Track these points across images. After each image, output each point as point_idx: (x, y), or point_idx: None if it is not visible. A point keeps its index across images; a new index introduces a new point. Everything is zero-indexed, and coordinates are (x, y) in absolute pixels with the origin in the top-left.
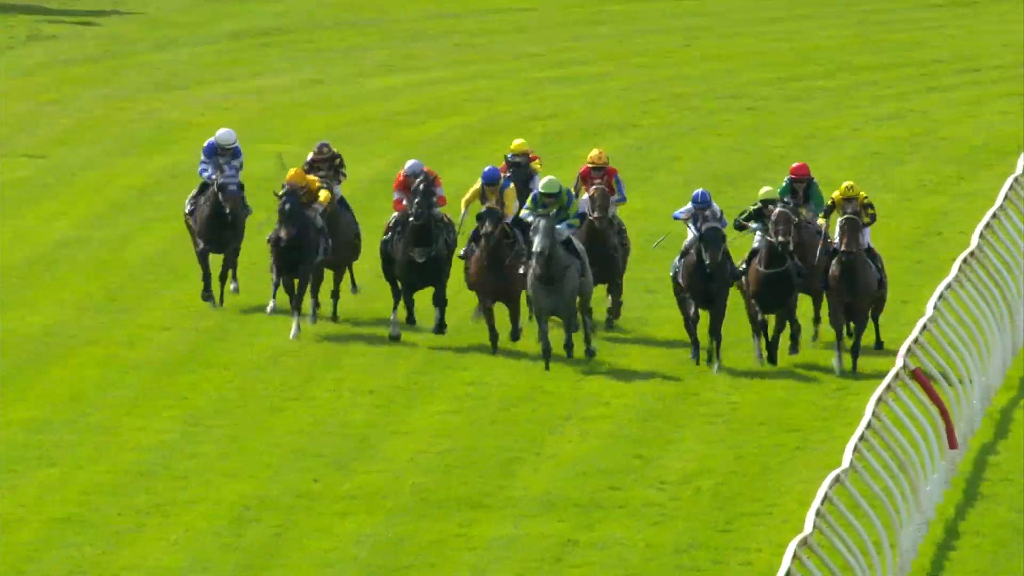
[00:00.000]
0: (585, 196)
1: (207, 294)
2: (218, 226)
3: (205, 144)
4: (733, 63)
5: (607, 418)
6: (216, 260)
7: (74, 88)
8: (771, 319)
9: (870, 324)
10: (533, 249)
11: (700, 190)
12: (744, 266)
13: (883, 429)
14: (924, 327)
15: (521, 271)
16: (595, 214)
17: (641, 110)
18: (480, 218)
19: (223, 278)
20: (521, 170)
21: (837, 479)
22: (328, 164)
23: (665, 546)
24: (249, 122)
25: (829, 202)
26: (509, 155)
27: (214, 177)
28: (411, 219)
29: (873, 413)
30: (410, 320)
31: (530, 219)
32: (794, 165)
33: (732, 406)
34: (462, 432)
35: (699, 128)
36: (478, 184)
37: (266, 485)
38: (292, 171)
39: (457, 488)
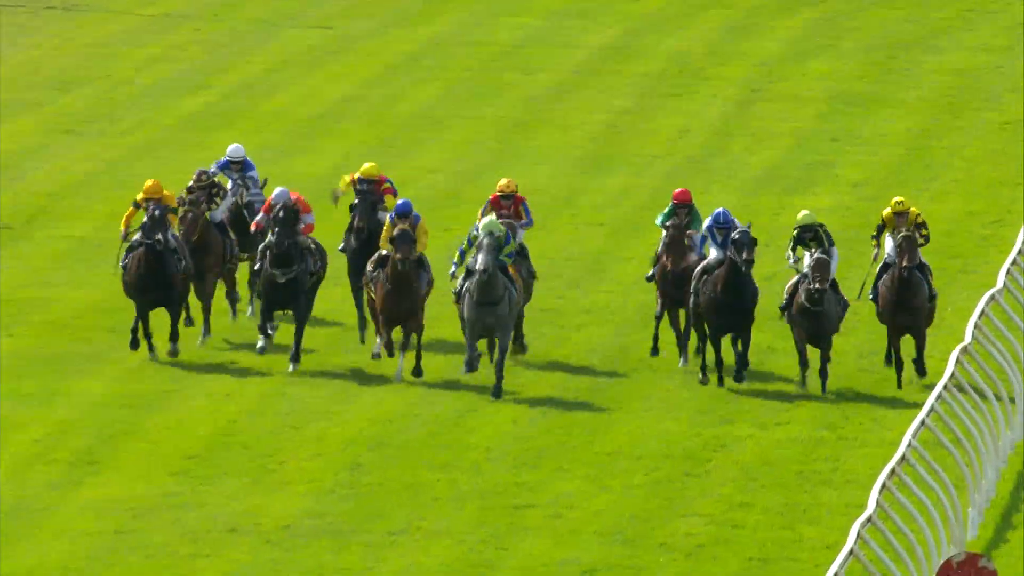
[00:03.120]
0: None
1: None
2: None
3: (218, 161)
4: None
5: None
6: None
7: None
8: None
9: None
10: (477, 267)
11: (721, 209)
12: (788, 297)
13: None
14: None
15: (455, 295)
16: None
17: None
18: (392, 241)
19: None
20: (367, 196)
21: (992, 297)
22: (205, 192)
23: (849, 353)
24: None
25: (880, 221)
26: (358, 177)
27: (239, 192)
28: (272, 248)
29: None
30: (267, 334)
31: (473, 247)
32: (676, 191)
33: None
34: None
35: (878, 2)
36: (388, 220)
37: None
38: (150, 182)
39: None
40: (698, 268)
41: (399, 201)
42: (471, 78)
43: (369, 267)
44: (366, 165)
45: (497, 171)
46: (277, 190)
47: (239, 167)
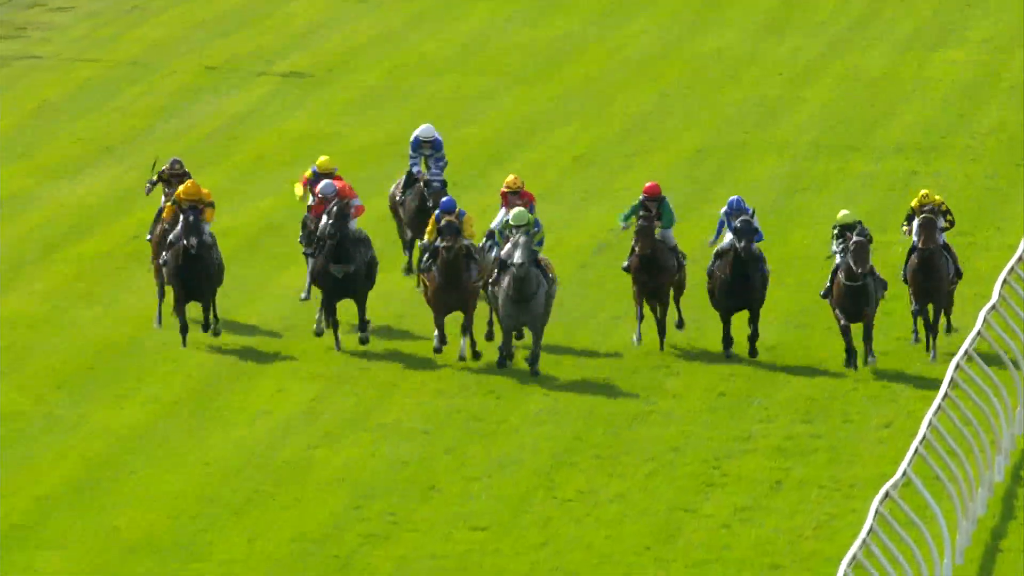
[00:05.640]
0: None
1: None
2: (422, 220)
3: (411, 138)
4: None
5: None
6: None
7: None
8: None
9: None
10: (513, 261)
11: (735, 197)
12: (829, 283)
13: None
14: None
15: (490, 285)
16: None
17: None
18: (440, 232)
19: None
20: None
21: None
22: (179, 180)
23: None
24: None
25: (909, 211)
26: (314, 168)
27: (422, 173)
28: (328, 240)
29: None
30: (334, 326)
31: (506, 242)
32: (647, 185)
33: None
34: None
35: None
36: (433, 218)
37: None
38: (188, 183)
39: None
40: (713, 252)
41: (444, 199)
42: None
43: (423, 260)
44: (322, 158)
45: (696, 36)
46: (323, 183)
47: (430, 146)
